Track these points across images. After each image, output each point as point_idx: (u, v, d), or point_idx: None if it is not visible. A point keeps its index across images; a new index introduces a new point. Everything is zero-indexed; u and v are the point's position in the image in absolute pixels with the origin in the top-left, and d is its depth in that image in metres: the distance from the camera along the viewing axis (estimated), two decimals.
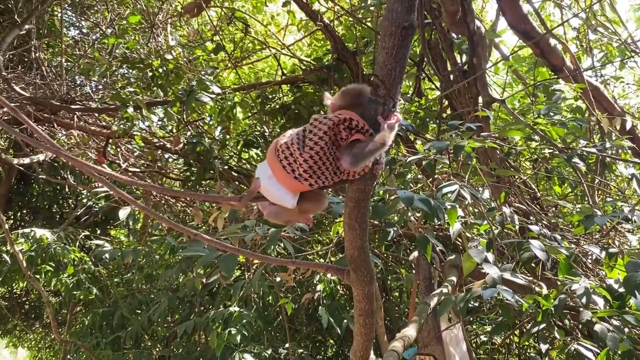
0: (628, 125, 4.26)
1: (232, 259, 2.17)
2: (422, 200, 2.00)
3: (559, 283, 3.02)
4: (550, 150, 4.24)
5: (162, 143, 5.74)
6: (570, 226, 4.54)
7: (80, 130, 5.48)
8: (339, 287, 5.90)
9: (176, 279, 5.19)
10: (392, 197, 2.60)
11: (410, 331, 2.99)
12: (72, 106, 5.36)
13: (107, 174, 1.71)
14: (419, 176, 5.23)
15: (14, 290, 9.83)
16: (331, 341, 7.34)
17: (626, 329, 3.14)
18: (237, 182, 5.69)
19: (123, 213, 4.05)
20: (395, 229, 2.77)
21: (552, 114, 3.37)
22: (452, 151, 2.60)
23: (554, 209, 5.59)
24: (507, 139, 4.53)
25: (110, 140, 5.48)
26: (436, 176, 3.36)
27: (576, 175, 5.52)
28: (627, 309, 2.77)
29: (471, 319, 6.27)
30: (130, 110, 4.59)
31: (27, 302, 9.98)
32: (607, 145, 4.32)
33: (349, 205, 1.47)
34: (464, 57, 4.87)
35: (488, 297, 2.35)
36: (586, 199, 4.12)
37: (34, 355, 12.34)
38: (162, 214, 6.66)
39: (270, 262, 2.03)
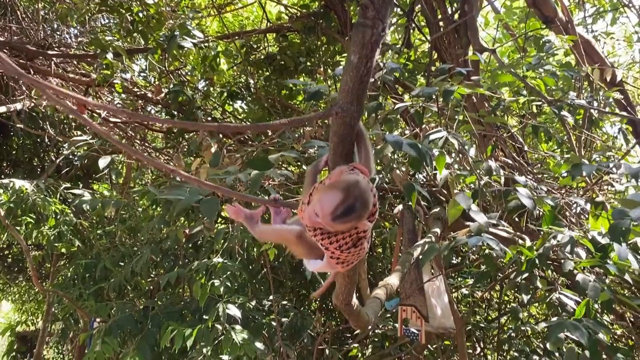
0: (618, 78, 4.21)
1: (213, 202, 2.11)
2: (410, 145, 1.94)
3: (542, 235, 3.01)
4: (539, 103, 4.20)
5: (143, 92, 5.58)
6: (556, 180, 4.54)
7: (59, 78, 5.30)
8: None
9: (159, 231, 5.14)
10: (379, 147, 2.54)
11: (393, 279, 3.00)
12: (50, 52, 5.16)
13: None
14: (406, 132, 5.17)
15: None
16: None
17: (607, 280, 3.18)
18: (220, 135, 5.58)
19: (103, 162, 3.95)
20: (380, 176, 2.72)
21: (542, 63, 3.29)
22: (441, 97, 2.53)
23: (539, 165, 5.60)
24: (496, 93, 4.47)
25: (90, 89, 5.31)
26: (424, 126, 3.30)
27: (563, 132, 5.50)
28: (609, 261, 2.78)
29: (453, 274, 6.35)
30: (109, 56, 4.42)
31: (9, 256, 9.90)
32: (596, 100, 4.29)
33: (334, 140, 1.40)
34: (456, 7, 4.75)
35: (473, 245, 2.33)
36: (572, 154, 4.10)
37: (18, 308, 12.38)
38: (145, 165, 6.56)
39: (251, 200, 1.97)
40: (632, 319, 4.42)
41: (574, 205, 3.75)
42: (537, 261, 2.50)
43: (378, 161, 3.40)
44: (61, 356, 11.14)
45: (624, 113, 4.13)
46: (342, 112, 1.32)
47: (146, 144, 6.56)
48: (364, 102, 1.33)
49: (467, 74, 2.77)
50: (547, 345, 4.97)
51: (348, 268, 1.57)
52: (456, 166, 3.47)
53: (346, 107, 1.32)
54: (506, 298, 6.36)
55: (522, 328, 5.35)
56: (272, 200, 1.66)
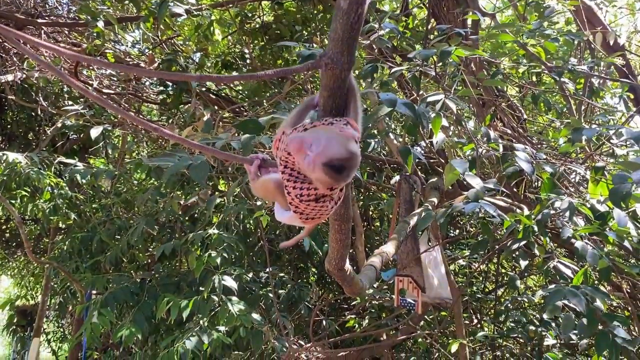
0: (621, 43, 4.11)
1: (203, 166, 2.05)
2: (405, 105, 1.87)
3: (541, 201, 2.96)
4: (539, 72, 4.11)
5: (136, 63, 5.48)
6: (555, 150, 4.49)
7: (48, 49, 5.17)
8: None
9: (154, 203, 5.09)
10: (373, 109, 2.47)
11: (389, 247, 2.96)
12: (39, 20, 5.04)
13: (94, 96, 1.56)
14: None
15: None
16: (313, 269, 7.42)
17: (606, 249, 3.14)
18: (215, 106, 5.49)
19: (95, 132, 3.88)
20: (376, 140, 2.66)
21: (542, 28, 3.20)
22: (438, 58, 2.45)
23: (539, 134, 5.53)
24: (496, 60, 4.38)
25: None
26: (421, 92, 3.22)
27: (563, 103, 5.42)
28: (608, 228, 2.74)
29: (450, 246, 6.34)
30: (100, 24, 4.31)
31: (7, 230, 9.88)
32: (598, 67, 4.21)
33: (323, 94, 1.34)
34: None
35: (470, 211, 2.28)
36: (572, 118, 4.02)
37: (17, 282, 12.42)
38: (141, 139, 6.49)
39: (235, 160, 1.91)
40: (628, 290, 4.41)
41: (574, 174, 3.70)
42: (535, 228, 2.45)
43: (375, 131, 3.33)
44: (61, 329, 11.22)
45: (625, 80, 4.05)
46: (332, 63, 1.25)
47: (141, 116, 6.47)
48: (355, 52, 1.26)
49: (465, 36, 2.68)
50: (544, 315, 4.99)
51: (310, 223, 1.50)
52: (454, 133, 3.40)
53: (336, 57, 1.25)
54: (504, 270, 6.36)
55: (519, 299, 5.36)
56: (260, 160, 1.60)
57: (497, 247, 4.15)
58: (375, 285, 5.33)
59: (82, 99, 5.70)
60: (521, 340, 5.14)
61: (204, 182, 2.04)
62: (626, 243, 2.49)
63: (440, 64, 2.83)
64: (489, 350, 5.36)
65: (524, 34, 3.98)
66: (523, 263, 2.79)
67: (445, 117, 2.62)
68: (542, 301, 5.41)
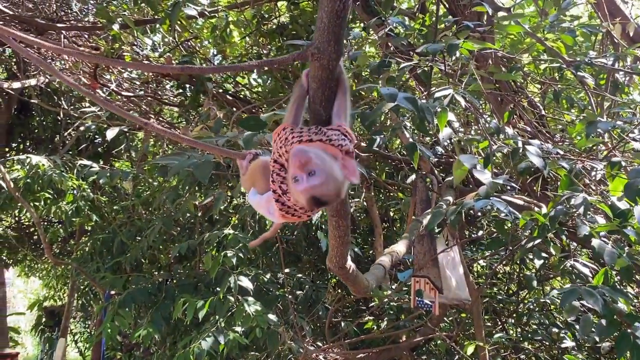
0: None
1: (207, 164, 2.03)
2: (407, 99, 1.83)
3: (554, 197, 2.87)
4: (559, 67, 4.00)
5: (154, 64, 5.52)
6: (577, 147, 4.36)
7: (69, 54, 5.26)
8: None
9: (172, 203, 5.12)
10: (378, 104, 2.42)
11: (400, 247, 2.91)
12: (59, 25, 5.13)
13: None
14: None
15: (22, 221, 9.93)
16: None
17: (627, 248, 3.03)
18: (233, 107, 5.51)
19: (111, 133, 3.92)
20: (382, 136, 2.62)
21: (559, 20, 3.11)
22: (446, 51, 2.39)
23: (561, 133, 5.39)
24: (514, 57, 4.29)
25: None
26: (432, 89, 3.16)
27: (587, 99, 5.26)
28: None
29: (471, 247, 6.23)
30: (116, 27, 4.36)
31: (35, 233, 10.09)
32: (620, 60, 4.07)
33: (312, 86, 1.30)
34: None
35: (480, 208, 2.22)
36: (587, 111, 3.91)
37: (45, 283, 12.69)
38: (162, 141, 6.53)
39: (230, 155, 1.89)
40: None
41: (594, 172, 3.59)
42: (548, 226, 2.38)
43: (389, 124, 3.28)
44: (88, 330, 11.40)
45: None
46: (319, 52, 1.22)
47: (161, 119, 6.53)
48: (342, 41, 1.22)
49: (473, 28, 2.61)
50: (564, 315, 4.86)
51: (287, 219, 1.46)
52: (469, 130, 3.33)
53: (323, 47, 1.21)
54: (527, 271, 6.21)
55: (542, 300, 5.22)
56: (252, 155, 1.58)
57: (516, 247, 4.06)
58: (394, 287, 5.27)
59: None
60: (545, 342, 5.01)
61: (205, 180, 2.02)
62: None
63: (453, 58, 2.77)
64: (513, 352, 5.24)
65: (543, 29, 3.89)
66: (538, 262, 2.71)
67: (456, 113, 2.57)
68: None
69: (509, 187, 2.96)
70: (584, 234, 2.56)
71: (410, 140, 3.35)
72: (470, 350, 3.60)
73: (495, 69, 3.06)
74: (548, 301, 5.12)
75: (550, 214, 2.41)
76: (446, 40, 2.45)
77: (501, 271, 6.10)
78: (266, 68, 5.28)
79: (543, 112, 4.28)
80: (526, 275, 4.40)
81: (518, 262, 5.88)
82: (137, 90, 6.13)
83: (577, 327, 4.69)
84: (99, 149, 8.58)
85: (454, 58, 2.89)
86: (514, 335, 5.47)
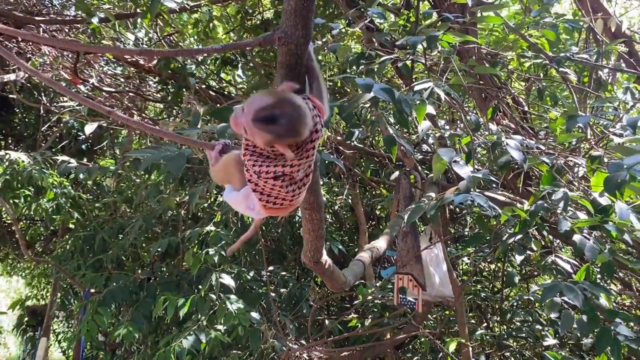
0: (623, 30, 3.98)
1: (180, 158, 1.98)
2: (383, 90, 1.79)
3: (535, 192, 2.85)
4: (542, 63, 3.99)
5: (135, 60, 5.44)
6: (561, 143, 4.36)
7: (48, 45, 5.17)
8: None
9: (153, 200, 5.05)
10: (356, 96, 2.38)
11: (380, 243, 2.88)
12: (37, 18, 5.03)
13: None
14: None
15: (4, 219, 9.78)
16: None
17: (608, 245, 3.02)
18: (216, 103, 5.44)
19: (89, 128, 3.84)
20: (360, 129, 2.58)
21: (542, 16, 3.10)
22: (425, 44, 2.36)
23: (545, 130, 5.39)
24: (498, 54, 4.28)
25: (81, 57, 5.18)
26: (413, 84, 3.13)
27: (570, 97, 5.27)
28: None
29: (455, 244, 6.21)
30: (95, 21, 4.28)
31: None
32: (603, 58, 4.07)
33: (280, 72, 1.26)
34: None
35: (460, 202, 2.19)
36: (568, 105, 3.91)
37: (28, 282, 12.51)
38: (145, 137, 6.45)
39: (199, 145, 1.85)
40: (639, 288, 4.28)
41: (576, 168, 3.58)
42: (529, 218, 2.35)
43: (372, 118, 3.24)
44: (71, 329, 11.26)
45: (632, 70, 3.91)
46: (286, 37, 1.18)
47: (144, 115, 6.45)
48: (311, 26, 1.18)
49: (453, 20, 2.58)
50: (545, 312, 4.86)
51: (270, 211, 1.42)
52: (449, 127, 3.31)
53: (290, 31, 1.17)
54: (511, 269, 6.21)
55: (525, 297, 5.22)
56: (222, 145, 1.53)
57: (497, 244, 4.04)
58: (377, 284, 5.24)
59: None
60: (529, 340, 5.00)
61: (178, 173, 1.97)
62: (626, 237, 2.37)
63: (435, 52, 2.74)
64: (496, 349, 5.23)
65: (527, 26, 3.87)
66: (519, 258, 2.69)
67: (440, 110, 2.54)
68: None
69: (494, 185, 2.93)
70: (565, 229, 2.55)
71: (391, 133, 3.33)
72: (452, 347, 3.57)
73: (475, 62, 3.03)
74: (532, 298, 5.13)
75: (530, 209, 2.38)
76: (426, 32, 2.42)
77: (486, 269, 6.10)
78: (249, 62, 5.22)
79: (526, 109, 4.26)
80: (508, 271, 4.39)
81: (502, 259, 5.89)
82: (122, 86, 6.04)
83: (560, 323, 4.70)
84: (83, 146, 8.46)
85: (435, 52, 2.85)
86: (498, 332, 5.46)
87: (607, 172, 2.09)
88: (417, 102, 2.05)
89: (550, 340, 3.91)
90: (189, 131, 2.10)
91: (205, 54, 4.08)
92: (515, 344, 5.08)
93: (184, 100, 4.14)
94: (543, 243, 2.90)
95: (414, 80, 3.13)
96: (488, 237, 2.95)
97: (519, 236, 2.52)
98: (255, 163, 1.30)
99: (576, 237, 2.50)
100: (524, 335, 5.03)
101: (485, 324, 5.77)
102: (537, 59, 3.91)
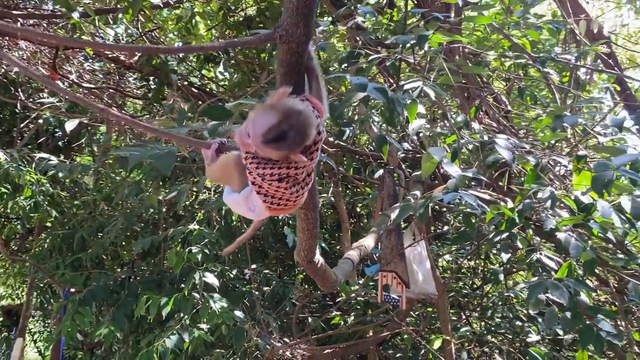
0: (604, 33, 4.06)
1: (169, 156, 1.95)
2: (377, 89, 1.79)
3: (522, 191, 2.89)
4: (524, 64, 4.04)
5: (116, 55, 5.36)
6: (542, 143, 4.43)
7: (26, 39, 5.07)
8: None
9: (134, 198, 4.99)
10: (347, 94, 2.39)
11: (368, 241, 2.88)
12: (15, 12, 4.92)
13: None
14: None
15: None
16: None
17: (590, 242, 3.08)
18: (198, 100, 5.40)
19: (70, 125, 3.76)
20: (351, 128, 2.58)
21: (525, 17, 3.13)
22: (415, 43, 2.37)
23: (525, 130, 5.47)
24: (481, 53, 4.31)
25: (60, 52, 5.08)
26: (401, 83, 3.14)
27: (550, 97, 5.35)
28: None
29: (437, 242, 6.27)
30: (76, 15, 4.20)
31: None
32: (583, 58, 4.14)
33: (280, 71, 1.26)
34: None
35: (449, 201, 2.21)
36: (554, 105, 3.96)
37: (2, 282, 12.25)
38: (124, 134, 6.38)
39: (193, 144, 1.83)
40: (615, 285, 4.36)
41: (558, 166, 3.64)
42: (516, 220, 2.38)
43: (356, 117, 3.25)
44: (47, 329, 11.07)
45: (612, 71, 3.99)
46: (287, 35, 1.17)
47: (124, 111, 6.36)
48: (312, 24, 1.18)
49: (444, 20, 2.60)
50: (530, 311, 4.94)
51: (273, 212, 1.41)
52: (430, 126, 3.33)
53: (291, 29, 1.17)
54: (492, 266, 6.29)
55: (506, 294, 5.30)
56: (217, 144, 1.51)
57: (482, 241, 4.09)
58: (360, 282, 5.26)
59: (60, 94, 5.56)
60: (509, 336, 5.08)
61: (168, 172, 1.95)
62: (610, 235, 2.42)
63: (422, 51, 2.76)
64: (477, 346, 5.30)
65: (508, 26, 3.92)
66: (505, 256, 2.73)
67: (425, 108, 2.55)
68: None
69: (473, 183, 2.96)
70: (550, 227, 2.59)
71: (378, 132, 3.34)
72: (437, 344, 3.60)
73: (462, 62, 3.06)
74: (512, 295, 5.20)
75: (518, 207, 2.42)
76: (415, 31, 2.43)
77: (465, 266, 6.16)
78: (232, 54, 5.18)
79: (509, 108, 4.31)
80: (493, 269, 4.44)
81: (482, 256, 5.97)
82: (100, 83, 5.95)
83: (540, 320, 4.78)
84: (60, 142, 8.29)
85: (422, 51, 2.87)
86: (478, 328, 5.53)
87: (593, 171, 2.12)
88: (408, 101, 2.06)
89: (534, 337, 3.96)
90: (177, 129, 2.07)
91: (204, 51, 4.04)
92: (495, 339, 5.16)
93: (168, 97, 4.09)
94: (528, 241, 2.94)
95: (400, 79, 3.15)
96: (471, 235, 2.98)
97: (506, 234, 2.55)
98: (259, 166, 1.30)
99: (561, 235, 2.54)
100: (503, 331, 5.11)
101: (464, 320, 5.85)
102: (519, 59, 3.96)
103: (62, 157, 7.24)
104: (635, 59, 6.60)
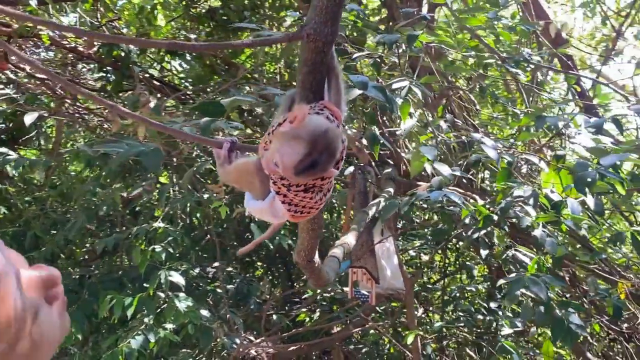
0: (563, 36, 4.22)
1: (156, 153, 1.88)
2: (376, 88, 1.79)
3: (494, 194, 2.98)
4: (489, 62, 4.14)
5: (74, 46, 5.13)
6: (499, 140, 4.54)
7: None
8: None
9: (93, 195, 4.80)
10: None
11: (349, 238, 2.89)
12: None
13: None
14: None
15: None
16: (259, 263, 7.31)
17: (560, 238, 3.20)
18: (159, 93, 5.25)
19: (29, 118, 3.58)
20: None
21: (497, 17, 3.21)
22: (405, 43, 2.38)
23: (485, 127, 5.62)
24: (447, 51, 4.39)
25: (12, 40, 4.82)
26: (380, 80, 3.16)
27: (507, 94, 5.52)
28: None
29: (399, 238, 6.35)
30: (33, 3, 3.99)
31: None
32: (545, 59, 4.28)
33: (303, 70, 1.22)
34: None
35: (435, 199, 2.23)
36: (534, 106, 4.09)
37: None
38: (77, 128, 6.13)
39: (204, 142, 1.77)
40: (567, 277, 4.54)
41: (523, 164, 3.75)
42: (499, 214, 2.44)
43: None
44: None
45: (575, 73, 4.14)
46: (314, 34, 1.14)
47: (78, 104, 6.11)
48: (339, 23, 1.15)
49: (430, 20, 2.63)
50: (491, 304, 5.08)
51: (297, 218, 1.40)
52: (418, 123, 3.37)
53: (319, 28, 1.14)
54: (448, 261, 6.43)
55: (468, 288, 5.44)
56: (230, 143, 1.47)
57: (448, 237, 4.17)
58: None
59: (11, 84, 5.28)
60: (473, 329, 5.20)
61: (159, 170, 1.88)
62: (583, 231, 2.52)
63: (401, 50, 2.77)
64: (436, 341, 5.40)
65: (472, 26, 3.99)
66: (484, 252, 2.79)
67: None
68: (484, 290, 5.53)
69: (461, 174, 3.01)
70: (526, 224, 2.66)
71: (354, 133, 3.34)
72: (410, 339, 3.65)
73: (446, 60, 3.11)
74: (473, 289, 5.35)
75: (500, 205, 2.47)
76: (402, 31, 2.44)
77: (428, 259, 6.28)
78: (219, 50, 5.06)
79: (477, 107, 4.42)
80: (467, 265, 4.55)
81: (439, 251, 6.11)
82: (53, 71, 5.66)
83: (500, 313, 4.93)
84: (3, 136, 7.88)
85: (400, 50, 2.89)
86: (438, 322, 5.64)
87: (575, 170, 2.20)
88: (400, 100, 2.07)
89: (507, 330, 4.08)
90: (180, 125, 1.99)
91: (234, 48, 3.91)
92: (458, 332, 5.28)
93: (135, 90, 3.95)
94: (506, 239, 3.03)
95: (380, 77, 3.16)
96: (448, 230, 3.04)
97: (484, 231, 2.61)
98: (284, 177, 1.28)
99: (537, 232, 2.62)
100: (462, 324, 5.23)
101: (423, 314, 5.96)
102: (482, 59, 4.04)
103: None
104: (585, 59, 6.90)
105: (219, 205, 3.55)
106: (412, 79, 2.41)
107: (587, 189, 2.10)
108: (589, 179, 2.05)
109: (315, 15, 1.14)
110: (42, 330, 0.60)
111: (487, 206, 2.81)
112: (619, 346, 4.63)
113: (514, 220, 2.94)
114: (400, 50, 2.87)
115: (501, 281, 2.58)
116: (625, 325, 4.41)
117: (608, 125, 2.86)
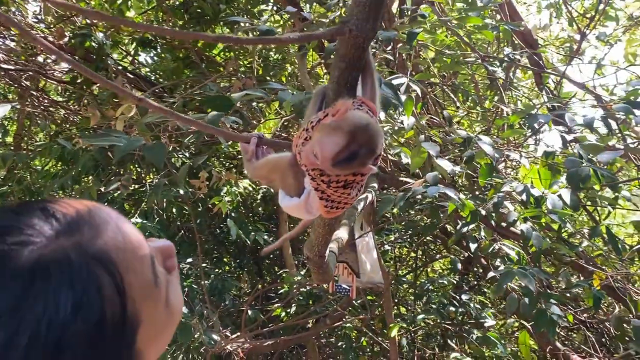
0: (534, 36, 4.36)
1: (160, 148, 1.85)
2: (387, 85, 1.81)
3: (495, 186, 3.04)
4: (474, 59, 4.23)
5: (44, 36, 4.95)
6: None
7: None
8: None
9: (63, 190, 4.66)
10: None
11: (342, 233, 2.92)
12: None
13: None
14: None
15: None
16: (227, 258, 7.27)
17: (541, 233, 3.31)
18: (133, 85, 5.12)
19: (2, 110, 3.43)
20: None
21: (482, 16, 3.28)
22: (405, 39, 2.41)
23: (457, 125, 5.74)
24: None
25: None
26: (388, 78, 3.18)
27: (474, 91, 5.65)
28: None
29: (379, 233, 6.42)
30: None
31: None
32: (518, 59, 4.41)
33: (340, 66, 1.23)
34: None
35: (432, 195, 2.28)
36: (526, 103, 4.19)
37: None
38: (44, 122, 5.92)
39: (230, 138, 1.75)
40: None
41: (502, 159, 3.85)
42: (492, 209, 2.51)
43: None
44: None
45: (551, 72, 4.27)
46: (356, 30, 1.15)
47: (44, 96, 5.91)
48: (380, 20, 1.17)
49: (424, 17, 2.67)
50: (463, 297, 5.21)
51: (332, 214, 1.41)
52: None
53: (361, 25, 1.15)
54: (413, 254, 6.53)
55: (440, 281, 5.55)
56: (257, 138, 1.46)
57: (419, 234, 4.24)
58: (302, 272, 5.29)
59: None
60: (440, 320, 5.31)
61: (161, 163, 1.84)
62: (568, 225, 2.61)
63: (397, 46, 2.81)
64: (409, 333, 5.49)
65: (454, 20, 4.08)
66: (473, 246, 2.86)
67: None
68: (453, 283, 5.66)
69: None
70: (512, 219, 2.75)
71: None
72: (394, 332, 3.71)
73: (441, 59, 3.16)
74: (445, 282, 5.46)
75: (492, 201, 2.54)
76: (399, 28, 2.47)
77: (401, 254, 6.37)
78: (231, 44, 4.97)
79: (458, 104, 4.50)
80: (451, 259, 4.64)
81: (409, 246, 6.22)
82: (19, 64, 5.45)
83: (471, 305, 5.07)
84: None
85: (398, 46, 2.92)
86: (413, 313, 5.73)
87: (565, 167, 2.28)
88: (403, 97, 2.10)
89: (490, 322, 4.19)
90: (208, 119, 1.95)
91: (280, 44, 3.82)
92: (430, 322, 5.39)
93: (117, 82, 3.84)
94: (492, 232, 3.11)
95: None
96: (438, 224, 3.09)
97: (472, 225, 2.68)
98: (324, 173, 1.28)
99: (523, 227, 2.70)
100: (432, 316, 5.34)
101: (394, 306, 6.05)
102: (454, 57, 4.13)
103: None
104: (548, 59, 7.14)
105: (219, 200, 3.52)
106: (405, 75, 2.45)
107: (580, 184, 2.18)
108: (583, 175, 2.13)
109: (357, 12, 1.14)
110: (175, 297, 0.64)
111: (486, 201, 2.88)
112: (582, 334, 4.82)
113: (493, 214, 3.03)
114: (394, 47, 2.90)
115: (491, 274, 2.65)
116: (585, 315, 4.62)
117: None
